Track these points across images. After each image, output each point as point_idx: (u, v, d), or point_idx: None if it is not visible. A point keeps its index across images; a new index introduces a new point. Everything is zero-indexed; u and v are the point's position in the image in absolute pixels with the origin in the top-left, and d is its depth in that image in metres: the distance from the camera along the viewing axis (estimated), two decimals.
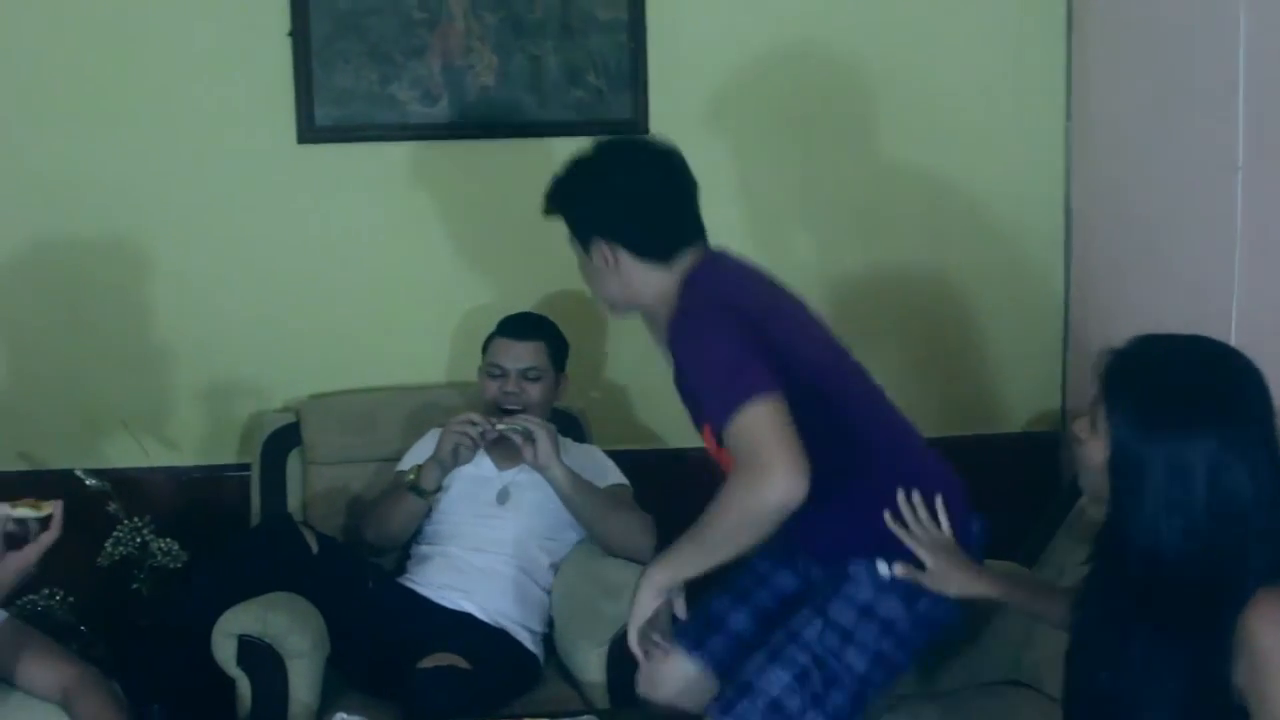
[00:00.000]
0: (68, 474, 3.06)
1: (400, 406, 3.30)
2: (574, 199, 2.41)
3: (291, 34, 3.25)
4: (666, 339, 2.32)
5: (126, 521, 3.08)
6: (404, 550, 3.09)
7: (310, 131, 3.28)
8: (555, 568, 3.02)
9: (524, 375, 3.05)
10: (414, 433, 3.19)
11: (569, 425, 3.25)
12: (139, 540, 3.08)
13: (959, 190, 3.50)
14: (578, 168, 2.42)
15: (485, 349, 3.14)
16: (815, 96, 3.41)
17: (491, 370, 3.08)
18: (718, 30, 3.36)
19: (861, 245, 3.44)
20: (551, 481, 2.93)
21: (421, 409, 3.27)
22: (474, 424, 2.93)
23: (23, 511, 2.31)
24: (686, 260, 2.36)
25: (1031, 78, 3.49)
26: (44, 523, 2.32)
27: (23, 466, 3.28)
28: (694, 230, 2.39)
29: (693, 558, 2.25)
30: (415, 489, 2.98)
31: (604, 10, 3.30)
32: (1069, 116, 3.48)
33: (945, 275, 3.50)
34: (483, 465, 3.05)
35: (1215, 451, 1.74)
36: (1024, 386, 3.60)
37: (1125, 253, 3.27)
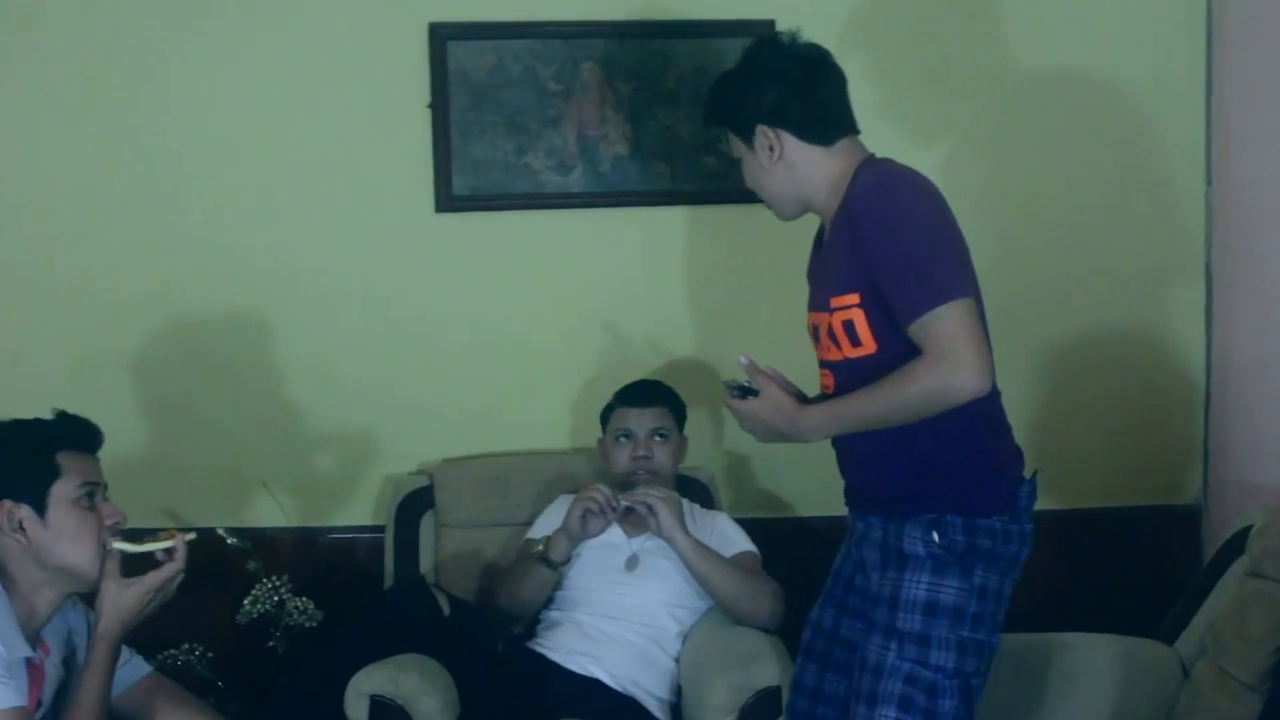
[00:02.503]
0: (210, 532, 3.15)
1: (532, 472, 3.33)
2: (731, 93, 2.43)
3: (431, 106, 3.33)
4: (848, 210, 2.30)
5: (265, 580, 3.14)
6: (535, 615, 3.11)
7: (448, 200, 3.35)
8: (684, 636, 3.01)
9: (653, 436, 3.08)
10: (545, 498, 3.22)
11: (697, 492, 3.25)
12: (276, 599, 3.14)
13: (1098, 257, 3.46)
14: (730, 70, 2.47)
15: (605, 420, 3.16)
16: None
17: (619, 436, 3.10)
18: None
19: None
20: (677, 550, 2.93)
21: (553, 474, 3.30)
22: (602, 494, 2.95)
23: (121, 546, 2.32)
24: (848, 147, 2.39)
25: (1171, 143, 3.44)
26: (169, 554, 2.36)
27: (169, 523, 3.37)
28: (851, 119, 2.42)
29: (856, 420, 2.27)
30: (545, 560, 3.00)
31: None
32: (1209, 181, 3.42)
33: (1081, 345, 3.45)
34: (612, 532, 3.06)
35: None
36: (1164, 458, 3.51)
37: (1267, 318, 3.19)
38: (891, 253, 2.22)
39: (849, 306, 2.29)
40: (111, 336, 3.35)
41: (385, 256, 3.38)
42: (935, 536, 2.28)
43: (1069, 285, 3.45)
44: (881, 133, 3.28)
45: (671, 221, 3.41)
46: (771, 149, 2.38)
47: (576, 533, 2.97)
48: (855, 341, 2.29)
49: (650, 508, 2.91)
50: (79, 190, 3.34)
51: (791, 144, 2.37)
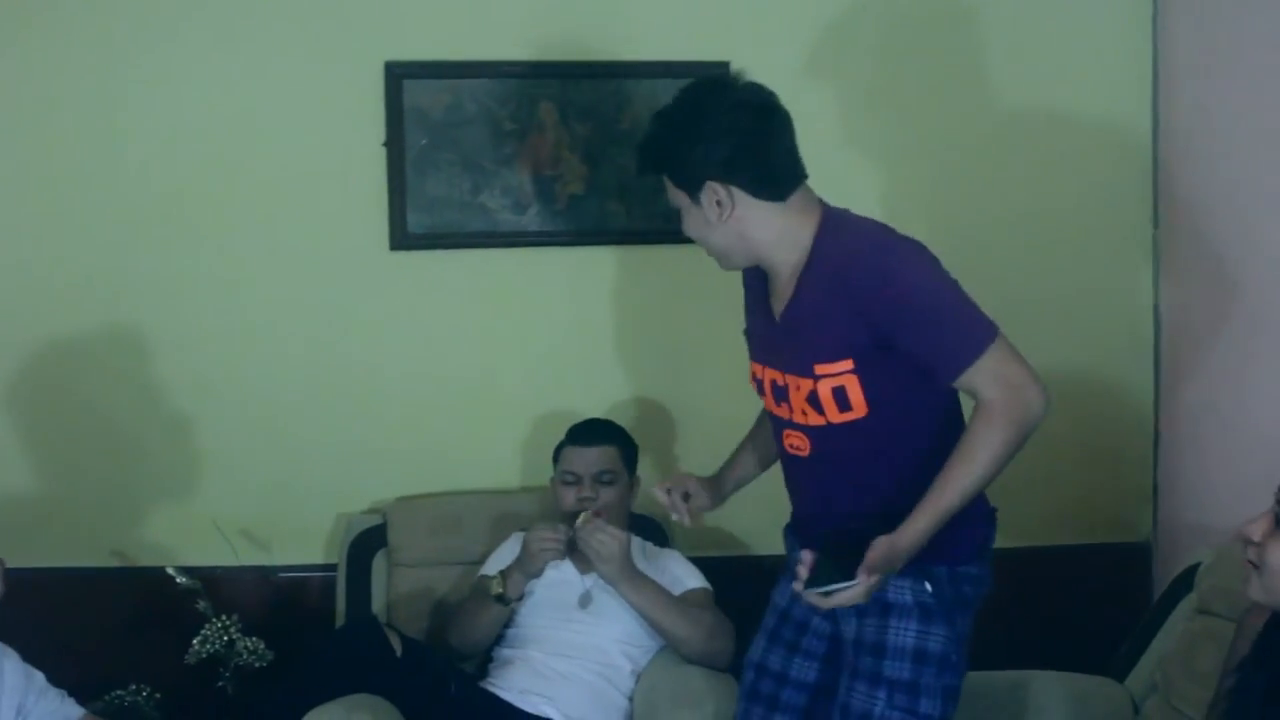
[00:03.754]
0: (159, 571, 3.12)
1: (485, 510, 3.32)
2: (675, 142, 2.27)
3: (386, 144, 3.33)
4: (853, 276, 2.21)
5: (214, 620, 3.11)
6: (486, 654, 3.09)
7: (403, 238, 3.35)
8: (637, 674, 3.00)
9: (598, 479, 3.06)
10: (498, 536, 3.20)
11: (651, 530, 3.25)
12: (226, 639, 3.10)
13: (1048, 298, 3.48)
14: (673, 113, 2.29)
15: (556, 457, 3.15)
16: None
17: (565, 478, 3.09)
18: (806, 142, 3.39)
19: None
20: (623, 595, 2.94)
21: (506, 513, 3.29)
22: (560, 537, 2.94)
23: None
24: (802, 200, 2.28)
25: (1119, 185, 3.49)
26: None
27: (116, 564, 3.34)
28: (801, 167, 2.30)
29: (956, 503, 2.17)
30: (500, 599, 2.98)
31: None
32: (1156, 223, 3.46)
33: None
34: (565, 569, 3.05)
35: None
36: (1115, 496, 3.54)
37: (1214, 360, 3.22)
38: (921, 315, 2.17)
39: (841, 373, 2.21)
40: (60, 371, 3.31)
41: (340, 294, 3.37)
42: (927, 586, 2.25)
43: (1020, 325, 3.42)
44: (838, 168, 3.35)
45: (627, 261, 3.42)
46: (719, 205, 2.25)
47: (536, 570, 2.96)
48: (844, 407, 2.23)
49: (598, 554, 2.90)
50: (28, 222, 3.31)
51: (743, 201, 2.24)
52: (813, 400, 2.25)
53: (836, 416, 2.24)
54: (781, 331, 2.31)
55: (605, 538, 2.89)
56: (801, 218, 2.28)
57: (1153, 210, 3.47)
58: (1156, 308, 3.47)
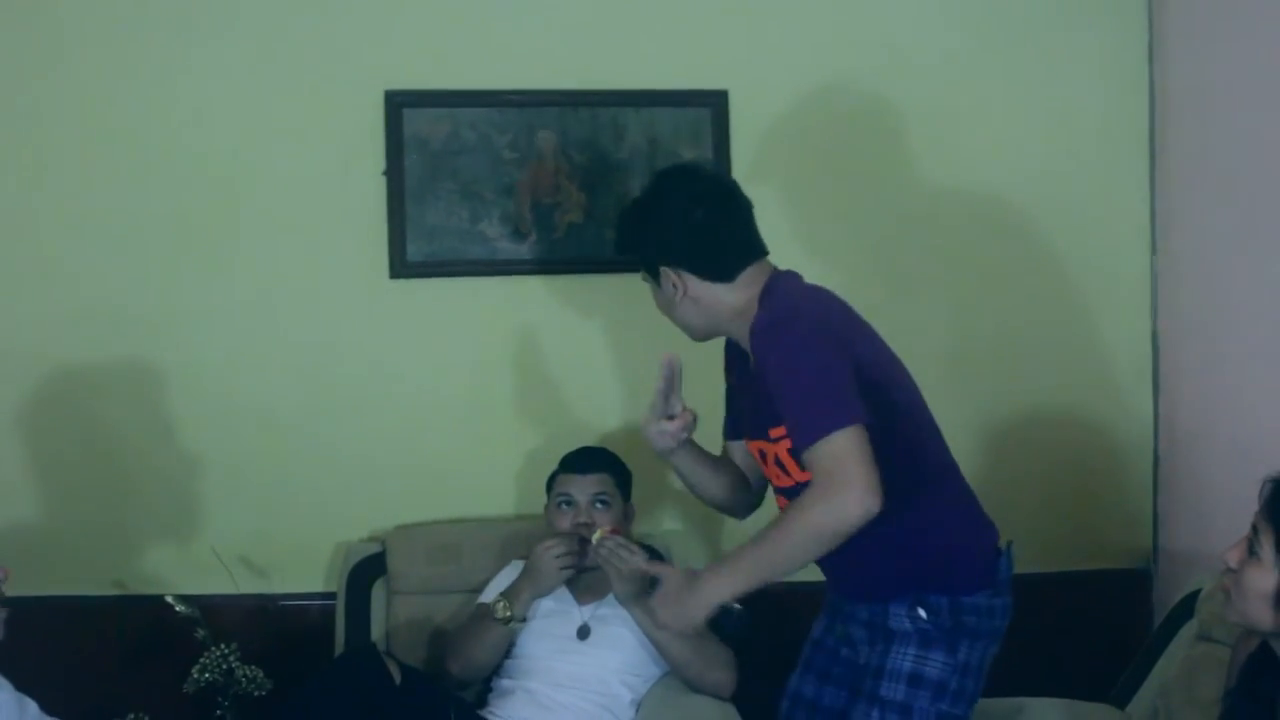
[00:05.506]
0: (158, 600, 3.11)
1: (485, 537, 3.31)
2: (637, 233, 2.53)
3: (386, 173, 3.35)
4: (751, 347, 2.36)
5: (213, 648, 3.10)
6: (485, 683, 3.08)
7: (402, 266, 3.35)
8: (637, 704, 2.99)
9: (594, 502, 3.06)
10: (498, 564, 3.19)
11: (651, 558, 3.23)
12: (225, 667, 3.08)
13: (1045, 331, 3.50)
14: (637, 204, 2.57)
15: (550, 486, 3.15)
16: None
17: (561, 503, 3.09)
18: (806, 169, 3.42)
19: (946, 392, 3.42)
20: (634, 615, 2.93)
21: (505, 540, 3.28)
22: (571, 547, 2.96)
23: None
24: (752, 275, 2.44)
25: (1116, 211, 3.50)
26: None
27: (114, 592, 3.33)
28: (755, 247, 2.48)
29: (757, 572, 2.25)
30: (508, 621, 2.97)
31: (689, 149, 3.37)
32: (1154, 249, 3.47)
33: (1032, 413, 3.48)
34: (563, 600, 3.05)
35: None
36: (1115, 522, 3.54)
37: (1213, 385, 3.23)
38: (784, 389, 2.26)
39: (786, 436, 2.33)
40: (59, 400, 3.31)
41: (339, 322, 3.38)
42: (922, 613, 2.33)
43: (1021, 354, 3.49)
44: (834, 209, 3.36)
45: (625, 290, 3.41)
46: (675, 286, 2.46)
47: (549, 587, 2.97)
48: (805, 466, 2.29)
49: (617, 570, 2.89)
50: (27, 254, 3.32)
51: (694, 283, 2.45)
52: (778, 463, 2.39)
53: (800, 476, 2.33)
54: (746, 396, 2.49)
55: (627, 554, 2.87)
56: (751, 292, 2.43)
57: (1150, 236, 3.47)
58: (1155, 333, 3.48)
